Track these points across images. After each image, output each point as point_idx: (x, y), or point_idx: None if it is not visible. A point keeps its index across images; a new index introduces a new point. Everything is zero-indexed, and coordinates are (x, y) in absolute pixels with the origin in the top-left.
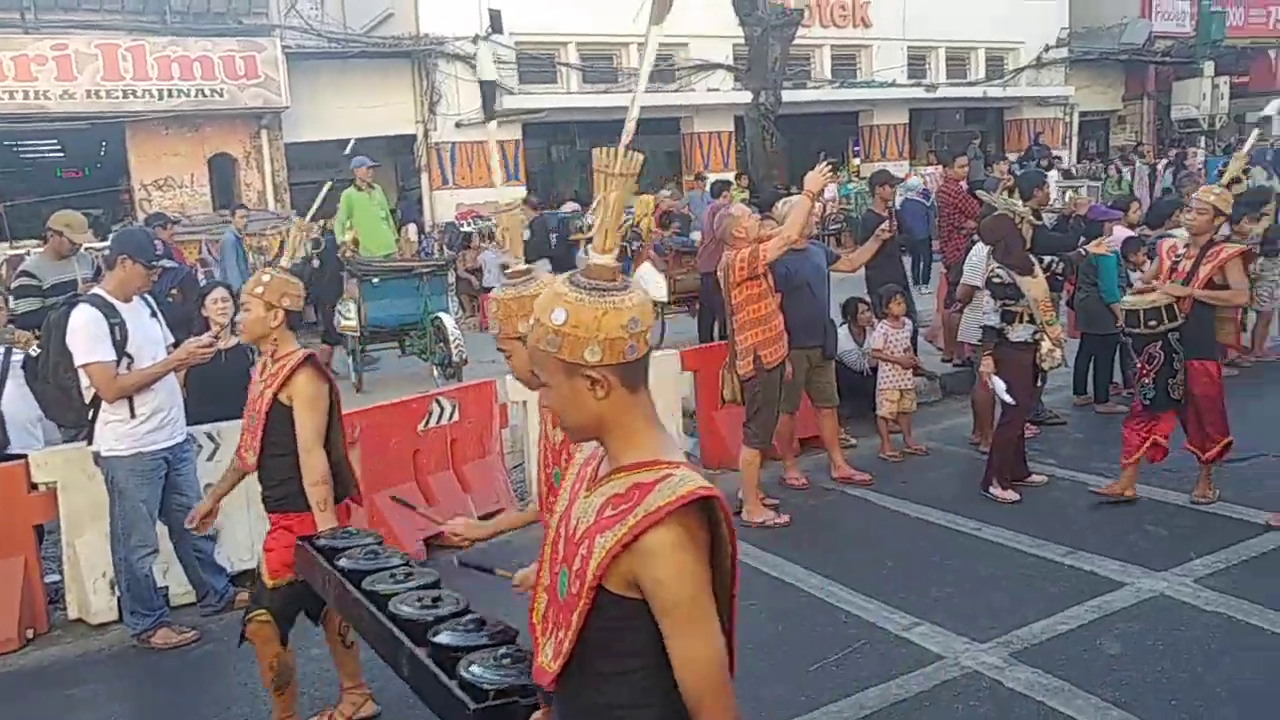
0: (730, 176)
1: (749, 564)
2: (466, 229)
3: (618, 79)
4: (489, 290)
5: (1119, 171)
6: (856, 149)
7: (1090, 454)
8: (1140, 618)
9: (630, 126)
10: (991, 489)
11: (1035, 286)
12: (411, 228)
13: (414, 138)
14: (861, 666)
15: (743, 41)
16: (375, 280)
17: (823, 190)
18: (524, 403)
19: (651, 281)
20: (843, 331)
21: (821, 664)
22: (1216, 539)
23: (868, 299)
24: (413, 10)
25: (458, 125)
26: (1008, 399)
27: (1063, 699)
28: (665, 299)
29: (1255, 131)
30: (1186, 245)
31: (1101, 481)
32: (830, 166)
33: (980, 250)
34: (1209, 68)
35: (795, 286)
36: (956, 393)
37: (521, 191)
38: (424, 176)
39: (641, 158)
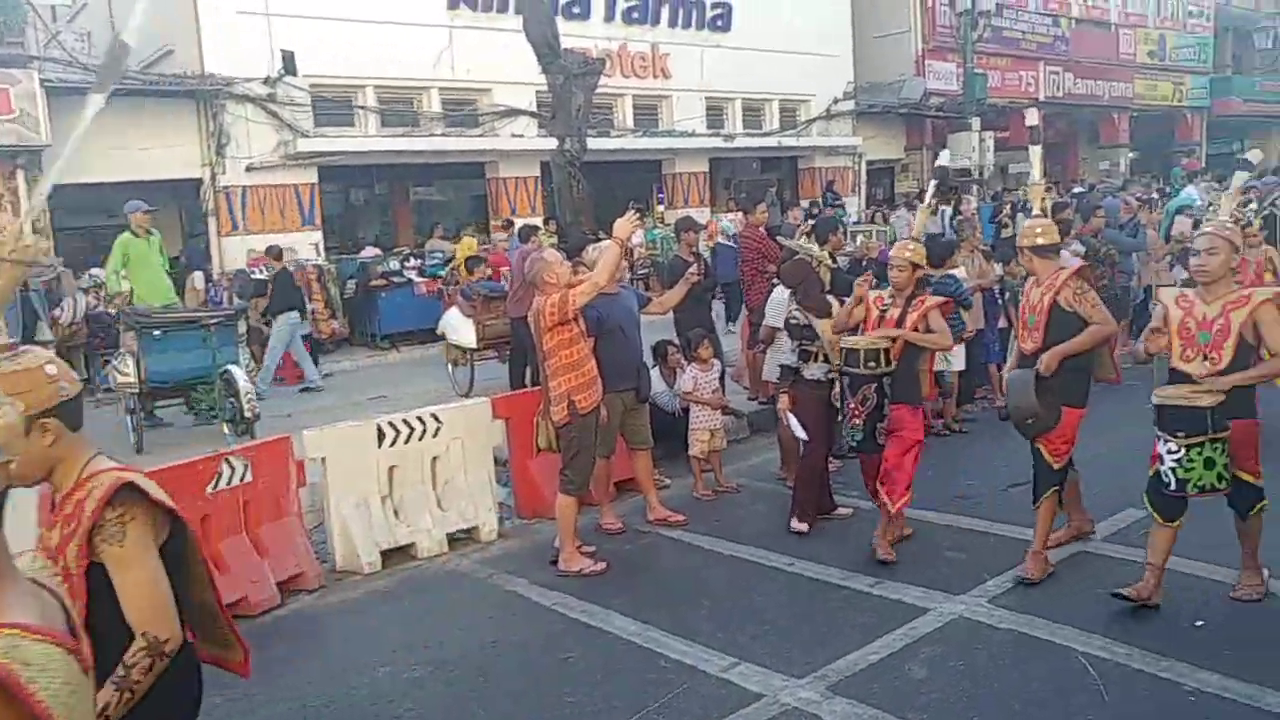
0: (538, 221)
1: (568, 615)
2: (259, 276)
3: (418, 122)
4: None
5: (885, 219)
6: (660, 196)
7: None
8: (943, 640)
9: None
10: (791, 521)
11: (829, 328)
12: (198, 275)
13: (200, 181)
14: (683, 712)
15: (546, 88)
16: (156, 332)
17: (631, 236)
18: (323, 459)
19: (459, 327)
20: (654, 373)
21: (643, 713)
22: (1006, 560)
23: (677, 341)
24: (196, 48)
25: (249, 169)
26: (802, 435)
27: None
28: (474, 345)
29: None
30: (891, 296)
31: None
32: (637, 213)
33: (781, 293)
34: (976, 123)
35: (608, 330)
36: (764, 430)
37: (318, 236)
38: (212, 222)
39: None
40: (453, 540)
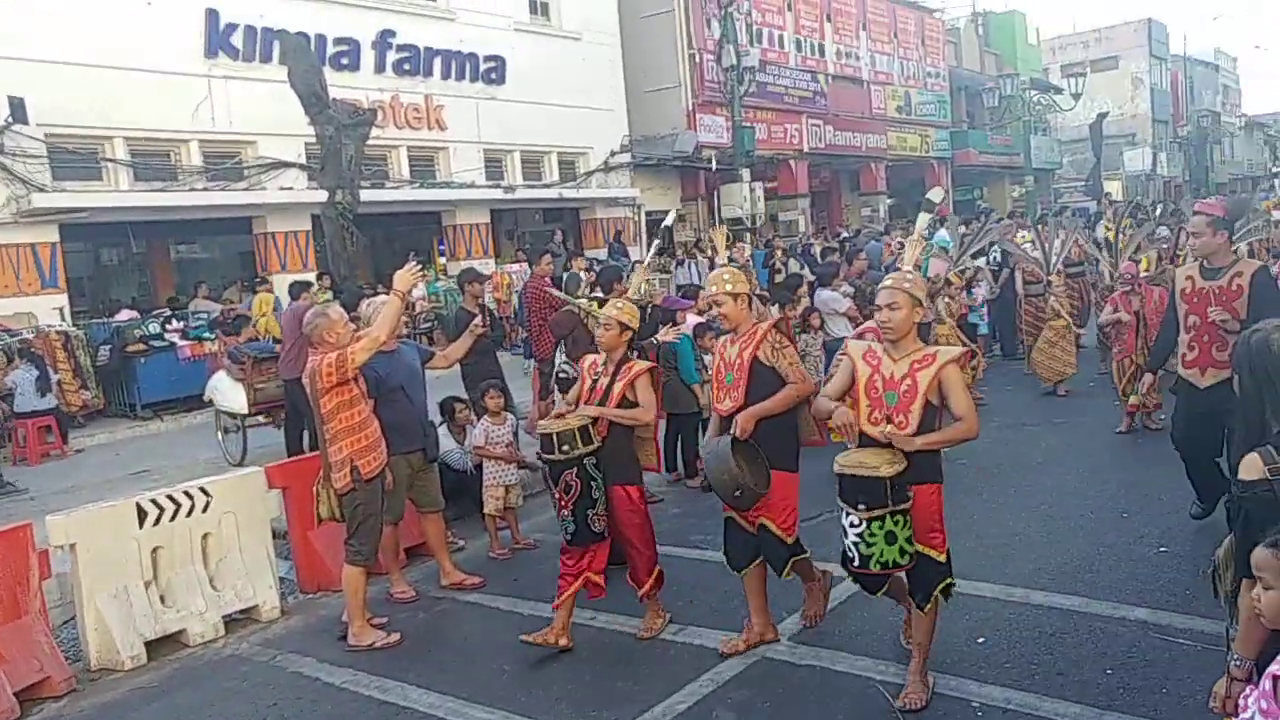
0: (311, 277)
1: (360, 693)
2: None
3: (176, 176)
4: (22, 415)
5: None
6: (442, 248)
7: (688, 528)
8: (748, 683)
9: None
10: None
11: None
12: None
13: None
14: None
15: (314, 140)
16: None
17: (412, 288)
18: (71, 546)
19: (228, 391)
20: (442, 431)
21: None
22: (802, 596)
23: (464, 397)
24: None
25: None
26: None
27: None
28: (245, 410)
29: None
30: (605, 363)
31: (702, 554)
32: (419, 265)
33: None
34: (746, 174)
35: (389, 390)
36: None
37: (63, 300)
38: None
39: None
40: (230, 622)
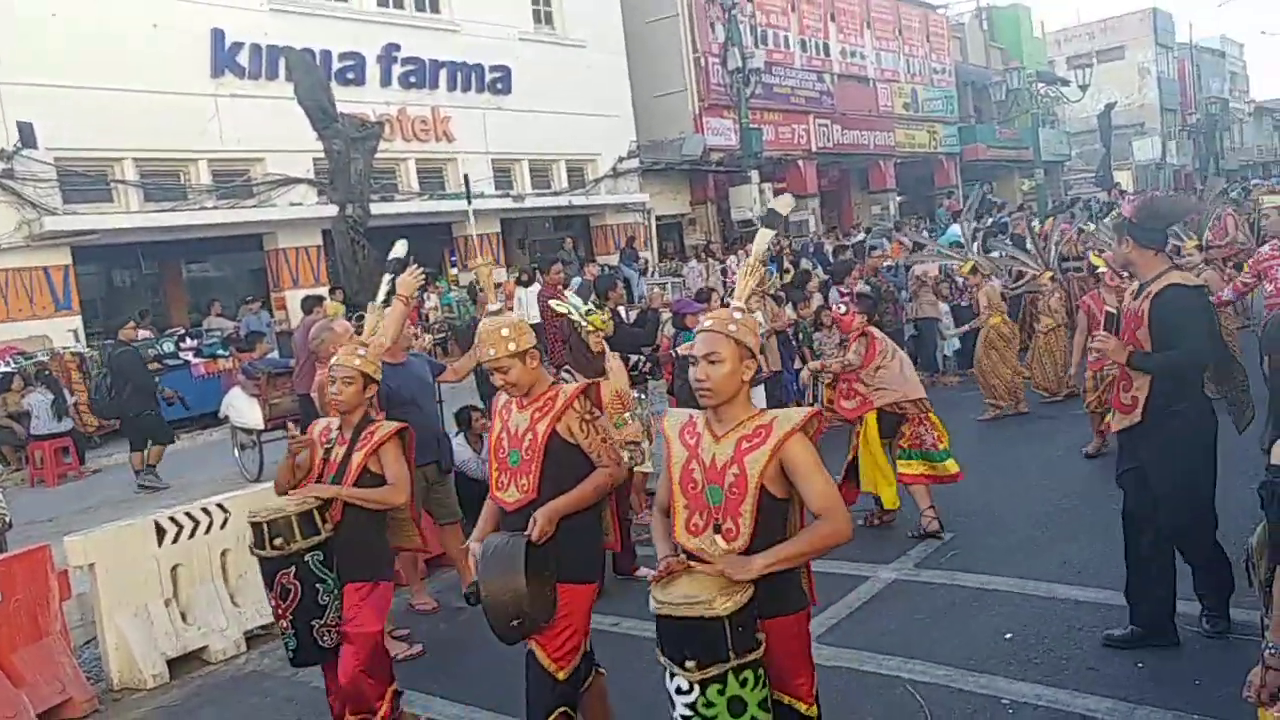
0: (324, 291)
1: None
2: (5, 368)
3: (187, 195)
4: (39, 438)
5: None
6: (453, 258)
7: None
8: None
9: None
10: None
11: (604, 389)
12: None
13: None
14: None
15: (323, 155)
16: None
17: (414, 294)
18: (90, 566)
19: (244, 408)
20: (459, 441)
21: None
22: (825, 596)
23: (481, 406)
24: None
25: None
26: None
27: None
28: (261, 425)
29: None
30: (339, 427)
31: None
32: (421, 270)
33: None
34: (755, 175)
35: (400, 404)
36: None
37: (76, 322)
38: None
39: None
40: (251, 638)
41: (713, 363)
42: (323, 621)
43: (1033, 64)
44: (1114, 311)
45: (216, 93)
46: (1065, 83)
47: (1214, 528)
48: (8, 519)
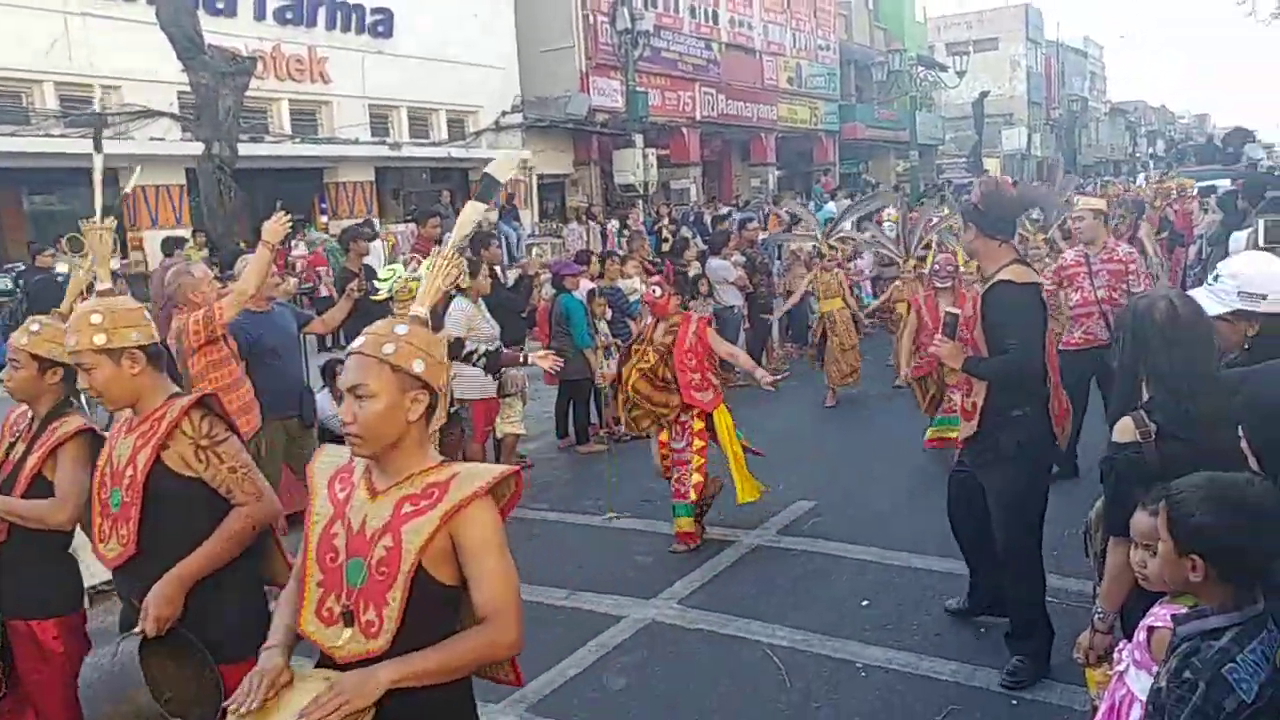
0: (185, 234)
1: None
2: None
3: (29, 120)
4: None
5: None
6: (324, 206)
7: (578, 493)
8: (638, 647)
9: None
10: None
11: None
12: None
13: None
14: None
15: (188, 88)
16: None
17: (279, 240)
18: None
19: None
20: (324, 395)
21: None
22: (691, 560)
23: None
24: None
25: None
26: None
27: None
28: None
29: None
30: (31, 418)
31: (590, 520)
32: (288, 215)
33: (459, 304)
34: (639, 140)
35: (261, 352)
36: (445, 450)
37: None
38: None
39: None
40: (95, 595)
41: (360, 397)
42: None
43: (914, 47)
44: (955, 313)
45: (66, 8)
46: (944, 68)
47: (1039, 575)
48: None
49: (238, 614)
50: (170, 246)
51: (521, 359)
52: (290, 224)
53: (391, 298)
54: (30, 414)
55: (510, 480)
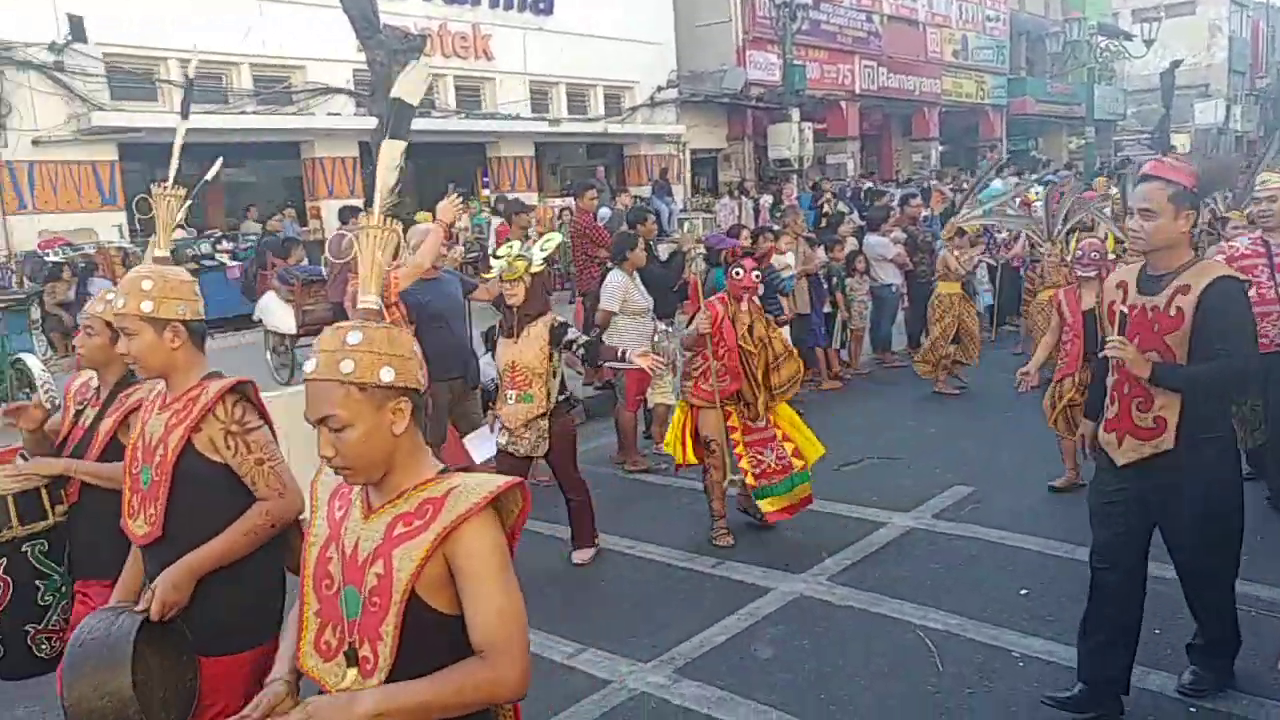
0: (358, 203)
1: None
2: (54, 258)
3: (228, 99)
4: None
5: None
6: (486, 180)
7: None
8: (786, 620)
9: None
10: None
11: (502, 353)
12: None
13: None
14: (530, 700)
15: (364, 66)
16: None
17: (455, 220)
18: None
19: (278, 312)
20: (486, 360)
21: None
22: (842, 538)
23: None
24: None
25: (36, 143)
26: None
27: (727, 709)
28: (294, 331)
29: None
30: (97, 386)
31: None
32: (460, 196)
33: (615, 277)
34: (795, 114)
35: (429, 317)
36: (600, 415)
37: (121, 217)
38: None
39: None
40: None
41: (336, 430)
42: (40, 626)
43: (1095, 15)
44: (1124, 311)
45: None
46: (1129, 37)
47: (1234, 592)
48: (56, 402)
49: (244, 609)
50: (345, 215)
51: (620, 355)
52: (462, 205)
53: (501, 278)
54: (96, 382)
55: (515, 495)
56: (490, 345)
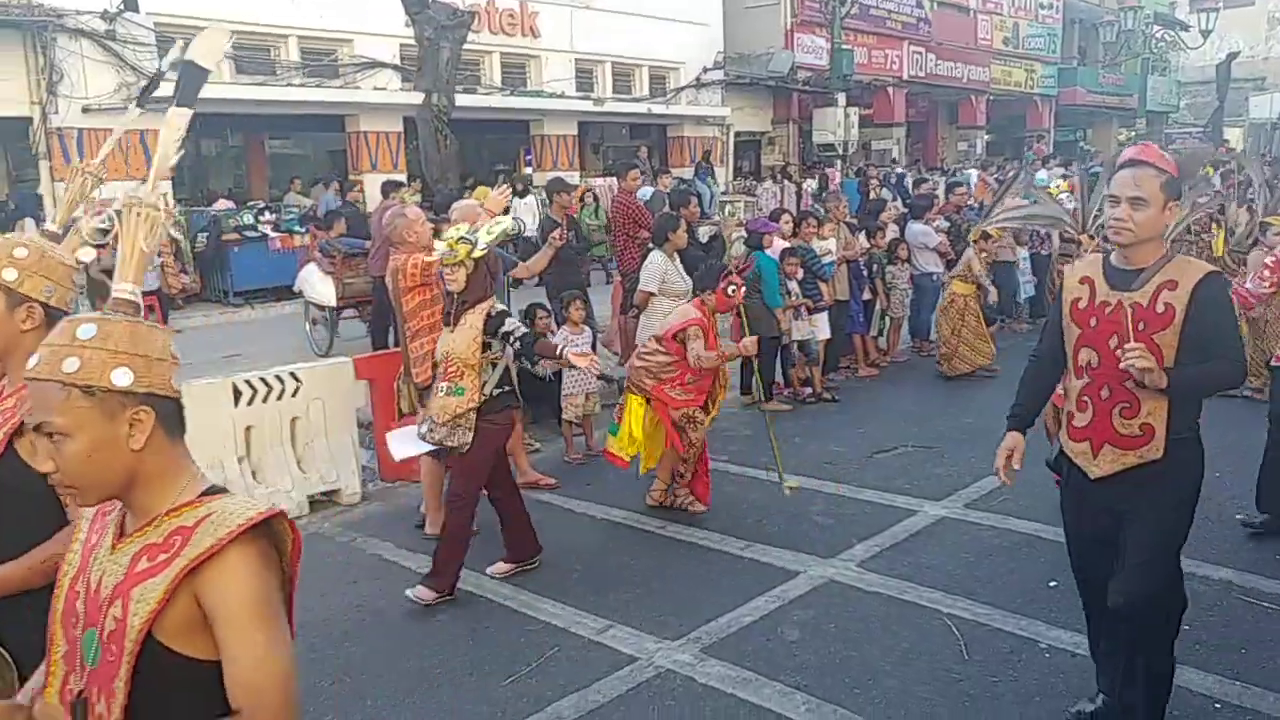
0: (401, 178)
1: None
2: (102, 225)
3: (275, 71)
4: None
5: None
6: (529, 158)
7: (759, 449)
8: (814, 604)
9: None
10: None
11: (439, 343)
12: (29, 223)
13: (29, 121)
14: (556, 675)
15: (410, 41)
16: None
17: (505, 210)
18: None
19: (318, 284)
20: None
21: (516, 677)
22: (873, 525)
23: (547, 305)
24: None
25: (86, 110)
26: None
27: (752, 689)
28: (334, 303)
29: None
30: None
31: (771, 475)
32: (509, 187)
33: (655, 258)
34: (842, 99)
35: None
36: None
37: (166, 186)
38: (44, 166)
39: None
40: (314, 503)
41: (52, 438)
42: None
43: (1151, 4)
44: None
45: None
46: (1185, 27)
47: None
48: None
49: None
50: (388, 189)
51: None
52: (509, 191)
53: (442, 262)
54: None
55: (281, 523)
56: (528, 323)
